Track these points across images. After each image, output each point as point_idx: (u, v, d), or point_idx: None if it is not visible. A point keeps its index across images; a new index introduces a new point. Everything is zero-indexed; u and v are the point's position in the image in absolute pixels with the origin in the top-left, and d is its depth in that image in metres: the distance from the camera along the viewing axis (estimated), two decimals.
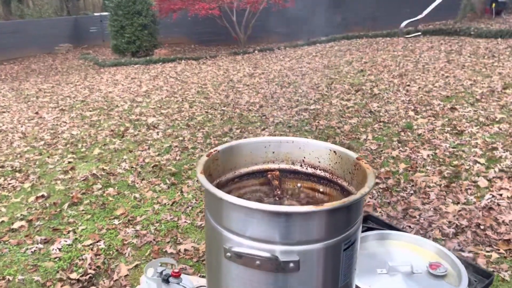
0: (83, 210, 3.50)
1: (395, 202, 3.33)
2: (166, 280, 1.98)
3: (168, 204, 3.51)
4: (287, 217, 0.92)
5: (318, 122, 5.38)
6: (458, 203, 3.27)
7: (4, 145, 5.58)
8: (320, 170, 1.36)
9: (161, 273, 1.96)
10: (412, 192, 3.49)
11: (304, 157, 1.38)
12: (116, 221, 3.30)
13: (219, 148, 1.30)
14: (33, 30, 17.09)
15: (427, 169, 3.88)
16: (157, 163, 4.39)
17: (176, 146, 4.87)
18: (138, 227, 3.19)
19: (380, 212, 3.18)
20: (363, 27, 13.74)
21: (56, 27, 18.47)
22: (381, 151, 4.38)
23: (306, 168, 1.39)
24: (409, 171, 3.88)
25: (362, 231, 1.59)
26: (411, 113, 5.50)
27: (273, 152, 1.39)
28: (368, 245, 1.54)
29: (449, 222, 3.00)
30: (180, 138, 5.14)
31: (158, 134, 5.37)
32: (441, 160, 4.07)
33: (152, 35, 13.37)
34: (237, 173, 1.36)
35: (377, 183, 3.67)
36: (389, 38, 12.47)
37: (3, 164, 4.82)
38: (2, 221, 3.42)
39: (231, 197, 0.97)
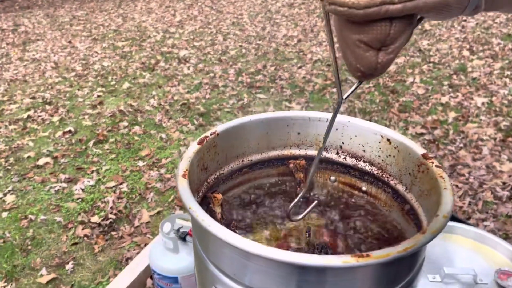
0: (107, 149, 3.38)
1: (442, 156, 3.01)
2: (183, 238, 1.83)
3: None
4: (311, 271, 0.65)
5: None
6: None
7: (37, 75, 5.50)
8: (364, 162, 1.04)
9: (178, 230, 1.80)
10: (461, 145, 3.14)
11: (343, 143, 1.05)
12: (140, 163, 3.17)
13: (219, 129, 0.99)
14: None
15: (481, 120, 3.48)
16: (185, 101, 4.18)
17: (206, 83, 4.62)
18: (162, 171, 3.05)
19: None
20: None
21: None
22: (429, 96, 3.97)
23: (345, 158, 1.06)
24: (460, 121, 3.50)
25: None
26: (466, 53, 4.95)
27: (299, 133, 1.06)
28: None
29: (504, 183, 2.67)
30: (211, 75, 4.87)
31: (189, 69, 5.11)
32: (497, 109, 3.64)
33: None
34: (246, 161, 1.03)
35: (422, 134, 3.34)
36: None
37: (34, 95, 4.74)
38: (29, 157, 3.36)
39: (220, 229, 0.67)
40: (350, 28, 0.51)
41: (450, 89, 4.09)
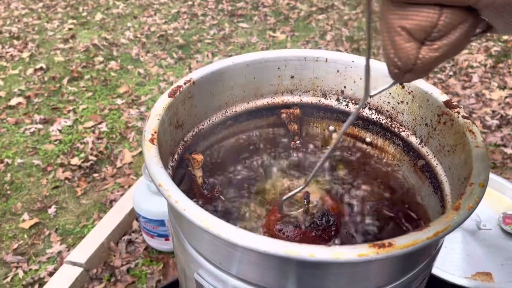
0: (83, 87, 3.21)
1: (432, 85, 2.92)
2: None
3: (175, 81, 3.17)
4: (316, 266, 0.54)
5: None
6: (504, 88, 2.85)
7: (1, 7, 5.10)
8: (370, 109, 0.88)
9: None
10: (451, 73, 3.05)
11: (345, 87, 0.90)
12: (119, 101, 3.02)
13: (194, 75, 0.81)
14: None
15: (471, 46, 3.37)
16: (163, 33, 3.94)
17: (184, 13, 4.34)
18: (142, 108, 2.91)
19: None
20: None
21: None
22: None
23: (347, 105, 0.90)
24: None
25: None
26: None
27: (292, 77, 0.90)
28: None
29: (493, 111, 2.63)
30: (190, 2, 4.57)
31: None
32: (488, 34, 3.51)
33: None
34: (229, 112, 0.87)
35: None
36: None
37: (0, 29, 4.42)
38: (0, 97, 3.17)
39: (198, 213, 0.54)
40: (393, 11, 0.43)
41: None
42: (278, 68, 0.89)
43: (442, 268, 1.04)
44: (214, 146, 0.92)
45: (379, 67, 0.83)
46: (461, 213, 0.54)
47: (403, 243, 0.49)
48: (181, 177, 0.83)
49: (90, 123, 2.80)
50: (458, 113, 0.73)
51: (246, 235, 0.51)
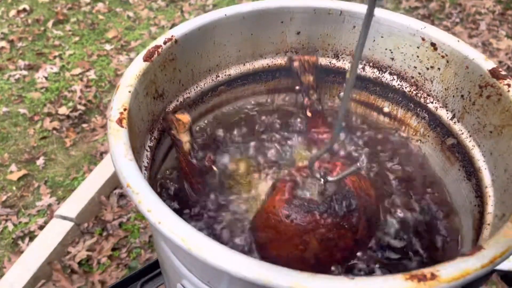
0: (70, 31, 3.03)
1: None
2: None
3: (167, 26, 3.00)
4: None
5: None
6: None
7: None
8: (391, 74, 0.75)
9: None
10: (458, 20, 2.90)
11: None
12: (107, 46, 2.86)
13: (176, 32, 0.67)
14: None
15: None
16: None
17: None
18: (132, 55, 2.77)
19: None
20: None
21: None
22: None
23: (363, 68, 0.76)
24: None
25: None
26: None
27: (298, 33, 0.75)
28: None
29: (500, 62, 2.51)
30: None
31: None
32: None
33: None
34: (222, 76, 0.72)
35: (416, 7, 3.05)
36: None
37: None
38: None
39: (175, 227, 0.41)
40: None
41: None
42: (282, 22, 0.74)
43: None
44: (203, 117, 0.78)
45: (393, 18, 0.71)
46: (493, 255, 0.41)
47: (450, 274, 0.38)
48: (163, 156, 0.71)
49: (77, 70, 2.66)
50: (509, 85, 0.59)
51: (245, 263, 0.40)
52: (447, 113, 0.71)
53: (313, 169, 0.60)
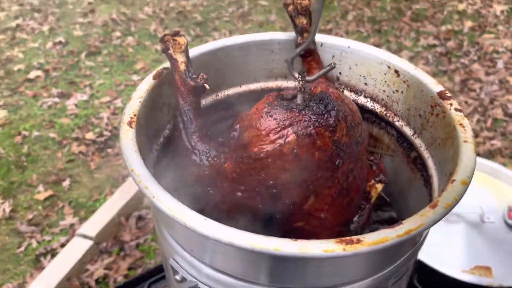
0: (101, 62, 3.22)
1: (453, 70, 2.84)
2: None
3: None
4: (285, 259, 0.53)
5: None
6: None
7: None
8: (366, 97, 0.86)
9: None
10: (475, 58, 2.95)
11: (340, 73, 0.87)
12: (135, 77, 3.02)
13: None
14: None
15: (498, 30, 3.24)
16: (182, 9, 3.90)
17: None
18: None
19: None
20: None
21: None
22: (445, 3, 3.67)
23: (342, 91, 0.86)
24: (476, 31, 3.26)
25: None
26: None
27: (286, 61, 0.83)
28: None
29: None
30: None
31: None
32: None
33: None
34: (220, 95, 0.85)
35: (434, 45, 3.12)
36: None
37: (22, 1, 4.44)
38: (19, 69, 3.21)
39: (168, 202, 0.54)
40: None
41: None
42: (272, 51, 0.86)
43: (439, 261, 1.02)
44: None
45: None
46: (437, 211, 0.52)
47: (372, 240, 0.48)
48: (168, 155, 0.80)
49: (106, 98, 2.82)
50: (451, 105, 0.70)
51: (212, 226, 0.50)
52: (410, 130, 0.80)
53: (292, 69, 0.67)
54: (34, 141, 2.54)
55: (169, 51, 0.74)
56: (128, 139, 0.63)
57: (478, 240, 1.01)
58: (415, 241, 0.63)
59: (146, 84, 0.75)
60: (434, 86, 0.74)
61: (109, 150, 2.45)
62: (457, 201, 0.54)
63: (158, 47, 3.34)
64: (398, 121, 0.83)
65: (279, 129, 0.60)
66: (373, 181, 0.73)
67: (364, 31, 3.40)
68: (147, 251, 1.93)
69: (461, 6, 3.58)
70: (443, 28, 3.31)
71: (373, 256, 0.56)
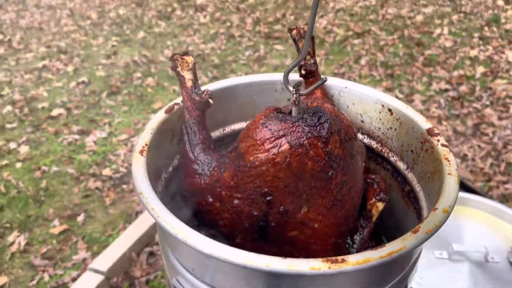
0: (121, 101, 3.34)
1: (466, 114, 2.86)
2: None
3: None
4: (277, 276, 0.56)
5: (386, 10, 4.67)
6: None
7: (52, 23, 5.40)
8: (362, 134, 0.91)
9: None
10: (488, 103, 2.97)
11: (339, 111, 0.89)
12: (152, 116, 3.11)
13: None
14: None
15: (511, 75, 3.28)
16: (200, 52, 4.06)
17: (222, 33, 4.46)
18: None
19: (445, 126, 2.74)
20: None
21: None
22: (457, 49, 3.74)
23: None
24: (488, 76, 3.30)
25: None
26: (500, 3, 4.61)
27: (288, 100, 0.92)
28: None
29: None
30: (228, 24, 4.69)
31: (205, 18, 4.93)
32: None
33: None
34: (227, 130, 0.91)
35: (446, 90, 3.17)
36: None
37: (50, 44, 4.68)
38: (43, 107, 3.35)
39: (171, 220, 0.59)
40: None
41: (481, 42, 3.84)
42: (275, 90, 0.91)
43: None
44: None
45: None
46: (418, 236, 0.56)
47: (356, 260, 0.51)
48: (176, 186, 0.84)
49: (123, 136, 2.90)
50: (438, 141, 0.75)
51: (211, 244, 0.55)
52: (403, 165, 0.85)
53: (288, 83, 0.70)
54: (52, 176, 2.61)
55: (178, 69, 0.80)
56: (139, 166, 0.69)
57: (482, 280, 1.00)
58: (403, 266, 0.65)
59: (158, 117, 0.81)
60: (424, 123, 0.79)
61: (124, 186, 2.50)
62: (438, 227, 0.57)
63: (176, 87, 3.46)
64: (393, 156, 0.87)
65: (273, 138, 0.63)
66: (374, 200, 0.76)
67: (376, 75, 3.47)
68: (157, 287, 1.93)
69: (473, 53, 3.65)
70: (455, 73, 3.36)
71: (360, 278, 0.59)
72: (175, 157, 0.85)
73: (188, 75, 0.79)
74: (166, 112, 0.82)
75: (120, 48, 4.36)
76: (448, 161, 0.70)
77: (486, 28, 4.08)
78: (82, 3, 6.07)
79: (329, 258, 0.51)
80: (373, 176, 0.80)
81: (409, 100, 3.00)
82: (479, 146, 2.55)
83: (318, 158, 0.63)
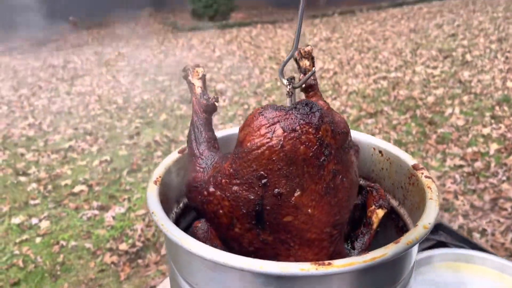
0: (140, 178, 3.44)
1: (482, 189, 2.85)
2: None
3: None
4: (270, 278, 0.60)
5: (398, 92, 4.85)
6: None
7: (81, 108, 5.75)
8: (359, 176, 0.95)
9: None
10: (504, 178, 2.97)
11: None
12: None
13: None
14: None
15: None
16: None
17: (240, 115, 4.66)
18: None
19: (462, 201, 2.73)
20: None
21: None
22: (469, 127, 3.82)
23: None
24: (503, 153, 3.32)
25: (429, 247, 1.20)
26: (510, 84, 4.76)
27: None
28: (433, 270, 1.10)
29: None
30: (245, 107, 4.92)
31: (224, 101, 5.19)
32: None
33: None
34: None
35: (461, 166, 3.18)
36: None
37: (77, 126, 4.95)
38: (66, 184, 3.47)
39: (175, 231, 0.66)
40: None
41: (493, 121, 3.92)
42: None
43: None
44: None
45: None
46: (399, 246, 0.61)
47: (341, 263, 0.56)
48: (186, 227, 0.90)
49: (141, 211, 2.96)
50: (422, 173, 0.81)
51: (213, 251, 0.61)
52: (396, 201, 0.89)
53: (282, 76, 0.77)
54: (70, 251, 2.64)
55: (188, 77, 0.90)
56: (153, 192, 0.78)
57: None
58: (395, 270, 0.68)
59: (172, 156, 0.90)
60: (410, 160, 0.85)
61: (140, 261, 2.51)
62: (417, 240, 0.63)
63: None
64: (387, 195, 0.91)
65: (268, 125, 0.70)
66: (373, 207, 0.80)
67: None
68: None
69: (485, 131, 3.71)
70: (469, 150, 3.40)
71: (348, 280, 0.62)
72: (185, 196, 0.91)
73: (198, 83, 0.89)
74: (179, 152, 0.91)
75: (143, 129, 4.57)
76: (430, 189, 0.75)
77: (497, 108, 4.18)
78: (110, 89, 6.49)
79: (317, 262, 0.56)
80: (372, 184, 0.85)
81: None
82: (498, 221, 2.50)
83: (310, 143, 0.68)
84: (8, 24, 12.69)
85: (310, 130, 0.69)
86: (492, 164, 3.16)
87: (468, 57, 5.90)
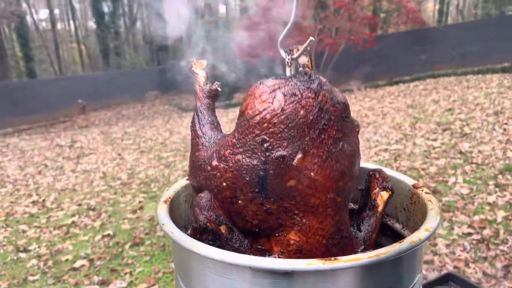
0: (143, 251, 3.38)
1: (493, 257, 2.77)
2: None
3: None
4: (277, 274, 0.61)
5: (399, 163, 4.90)
6: None
7: (85, 184, 5.79)
8: (356, 203, 0.99)
9: None
10: None
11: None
12: (173, 265, 3.11)
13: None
14: (127, 79, 18.46)
15: None
16: None
17: None
18: None
19: (474, 269, 2.64)
20: (451, 65, 12.94)
21: (147, 76, 19.83)
22: (474, 196, 3.80)
23: None
24: (510, 220, 3.27)
25: None
26: (510, 154, 4.80)
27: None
28: None
29: None
30: None
31: None
32: None
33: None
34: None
35: (469, 233, 3.13)
36: (481, 75, 11.53)
37: (81, 202, 4.95)
38: (67, 259, 3.40)
39: (182, 236, 0.70)
40: None
41: (497, 189, 3.91)
42: None
43: None
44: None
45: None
46: (403, 245, 0.64)
47: (348, 258, 0.58)
48: None
49: (143, 285, 2.86)
50: (422, 190, 0.84)
51: (216, 251, 0.65)
52: (399, 225, 0.92)
53: (281, 48, 0.80)
54: None
55: (192, 68, 0.95)
56: (163, 209, 0.83)
57: None
58: (401, 270, 0.69)
59: (181, 182, 0.97)
60: (410, 181, 0.89)
61: None
62: (421, 240, 0.66)
63: None
64: (390, 220, 0.94)
65: (269, 91, 0.72)
66: (377, 189, 0.80)
67: None
68: None
69: (491, 198, 3.69)
70: (476, 217, 3.36)
71: (356, 278, 0.62)
72: (190, 224, 0.92)
73: (201, 73, 0.94)
74: (187, 179, 0.94)
75: (146, 204, 4.57)
76: (431, 201, 0.78)
77: (500, 176, 4.19)
78: (115, 166, 6.58)
79: (325, 258, 0.58)
80: (374, 168, 0.87)
81: (431, 244, 2.95)
82: None
83: (310, 107, 0.70)
84: (20, 107, 13.19)
85: (309, 94, 0.71)
86: (501, 231, 3.11)
87: (467, 129, 6.03)
